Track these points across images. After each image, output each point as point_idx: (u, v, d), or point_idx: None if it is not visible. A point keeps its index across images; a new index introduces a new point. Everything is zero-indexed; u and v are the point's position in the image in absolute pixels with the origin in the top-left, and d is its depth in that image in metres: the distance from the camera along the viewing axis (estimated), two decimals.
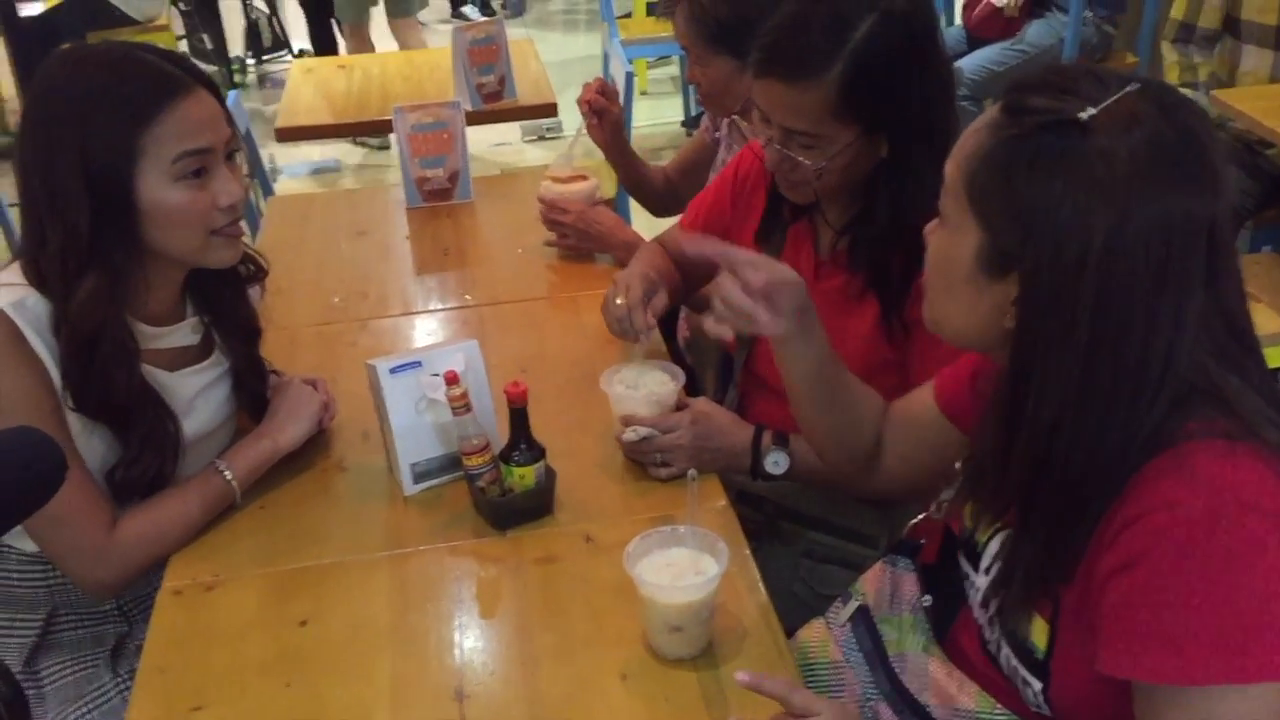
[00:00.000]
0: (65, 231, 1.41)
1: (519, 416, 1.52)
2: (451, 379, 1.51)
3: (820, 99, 1.47)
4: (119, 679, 1.59)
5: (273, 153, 5.56)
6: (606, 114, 2.38)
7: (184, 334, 1.60)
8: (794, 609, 1.51)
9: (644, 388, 1.65)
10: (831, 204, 1.62)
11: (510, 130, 5.66)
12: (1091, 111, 0.98)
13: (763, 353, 1.74)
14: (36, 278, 1.44)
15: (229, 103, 3.24)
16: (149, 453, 1.51)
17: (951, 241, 1.08)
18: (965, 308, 1.09)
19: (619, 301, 1.72)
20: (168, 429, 1.53)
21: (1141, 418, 1.00)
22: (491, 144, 5.56)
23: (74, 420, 1.46)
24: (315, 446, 1.73)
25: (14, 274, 1.46)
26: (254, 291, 1.72)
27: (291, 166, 5.68)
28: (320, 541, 1.55)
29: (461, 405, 1.51)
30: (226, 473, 1.58)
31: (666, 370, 1.68)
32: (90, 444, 1.49)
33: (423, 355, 1.61)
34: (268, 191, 3.40)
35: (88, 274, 1.42)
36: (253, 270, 1.68)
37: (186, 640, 1.39)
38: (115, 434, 1.50)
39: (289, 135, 3.36)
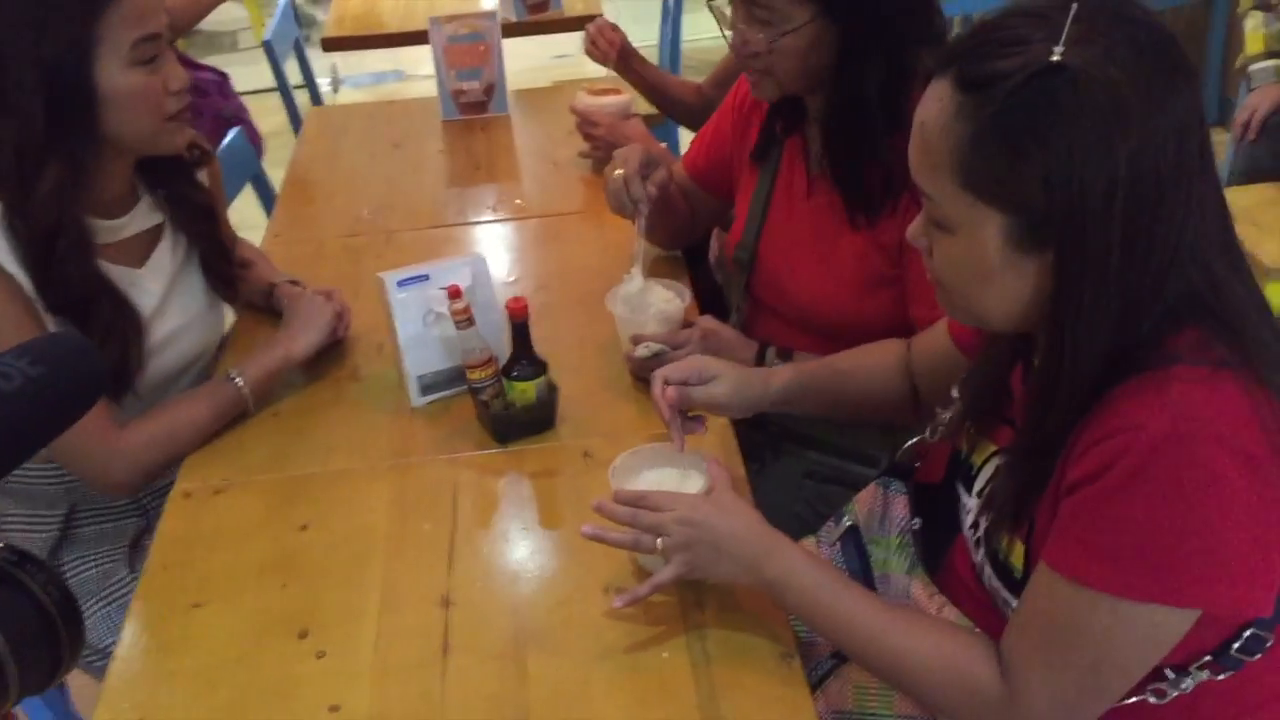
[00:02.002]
0: (19, 126, 1.42)
1: (520, 331, 1.53)
2: (454, 293, 1.52)
3: None
4: (136, 575, 1.66)
5: (335, 62, 5.58)
6: (625, 51, 2.38)
7: (143, 215, 1.63)
8: (796, 529, 1.50)
9: (652, 306, 1.65)
10: (814, 117, 1.61)
11: (571, 41, 5.60)
12: (1059, 48, 0.94)
13: (761, 275, 1.73)
14: None
15: (282, 7, 3.29)
16: (111, 345, 1.53)
17: (969, 242, 1.02)
18: (1010, 292, 1.03)
19: (617, 173, 1.70)
20: (127, 320, 1.56)
21: (1142, 316, 0.99)
22: (552, 56, 5.51)
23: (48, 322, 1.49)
24: (331, 357, 1.77)
25: None
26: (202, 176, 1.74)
27: (354, 77, 5.70)
28: (328, 449, 1.59)
29: (464, 319, 1.53)
30: (238, 380, 1.62)
31: (672, 288, 1.67)
32: None
33: (430, 269, 1.62)
34: (316, 100, 3.42)
35: (47, 167, 1.44)
36: (198, 155, 1.70)
37: (192, 540, 1.44)
38: (79, 328, 1.51)
39: (335, 45, 3.36)
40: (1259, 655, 1.06)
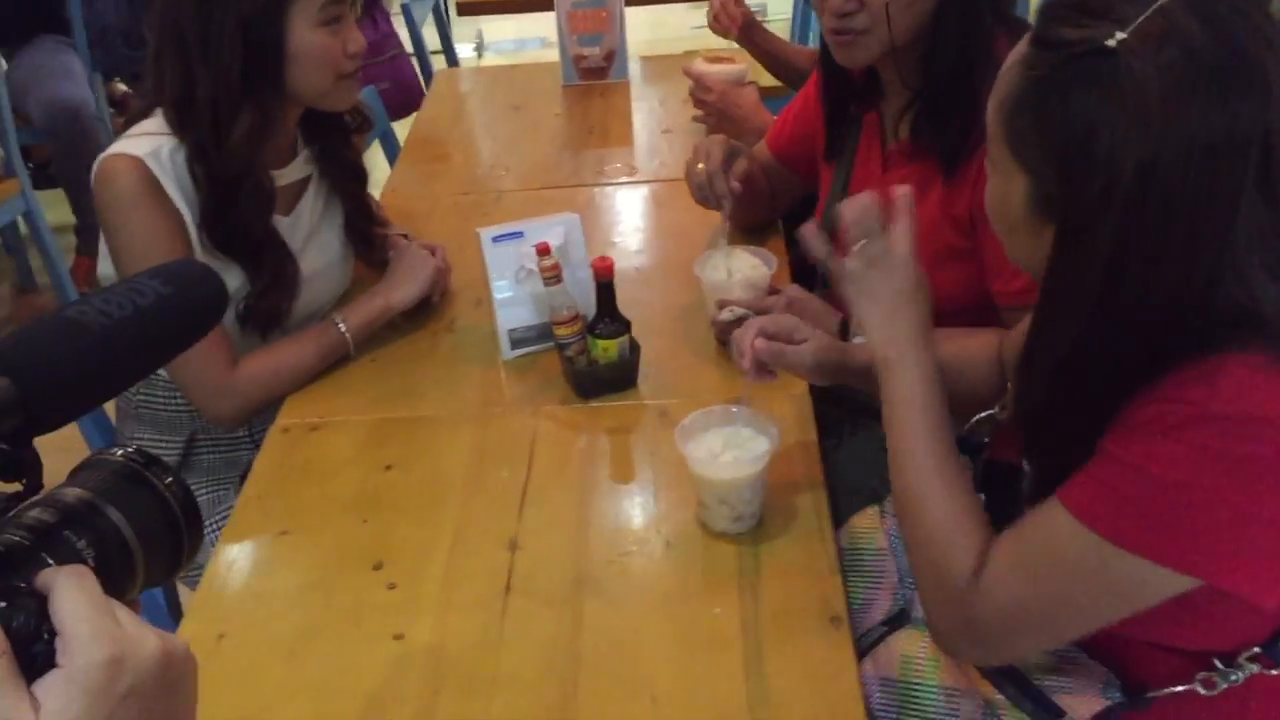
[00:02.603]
0: (217, 75, 1.53)
1: (605, 291, 1.56)
2: (543, 250, 1.57)
3: None
4: None
5: (480, 28, 5.71)
6: (748, 23, 2.37)
7: (298, 168, 1.74)
8: (870, 504, 1.51)
9: (738, 272, 1.66)
10: (893, 86, 1.60)
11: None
12: (1121, 35, 0.91)
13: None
14: (179, 123, 1.57)
15: None
16: (274, 290, 1.67)
17: (1005, 189, 1.04)
18: (1030, 249, 1.05)
19: (700, 167, 1.72)
20: (289, 269, 1.69)
21: (1168, 343, 0.96)
22: (692, 26, 5.51)
23: (205, 260, 1.60)
24: (431, 308, 1.84)
25: (152, 124, 1.59)
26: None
27: (498, 43, 5.81)
28: (419, 396, 1.66)
29: (552, 276, 1.57)
30: (341, 325, 1.70)
31: (759, 255, 1.68)
32: None
33: (525, 226, 1.67)
34: (453, 63, 3.51)
35: (241, 115, 1.55)
36: (359, 121, 1.80)
37: (286, 473, 1.53)
38: (245, 270, 1.64)
39: (469, 10, 3.44)
40: None
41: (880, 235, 1.25)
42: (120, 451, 0.67)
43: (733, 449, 1.35)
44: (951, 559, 1.10)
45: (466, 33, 5.63)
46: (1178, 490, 0.93)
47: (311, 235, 1.77)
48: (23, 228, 3.65)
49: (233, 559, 1.39)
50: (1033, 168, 0.99)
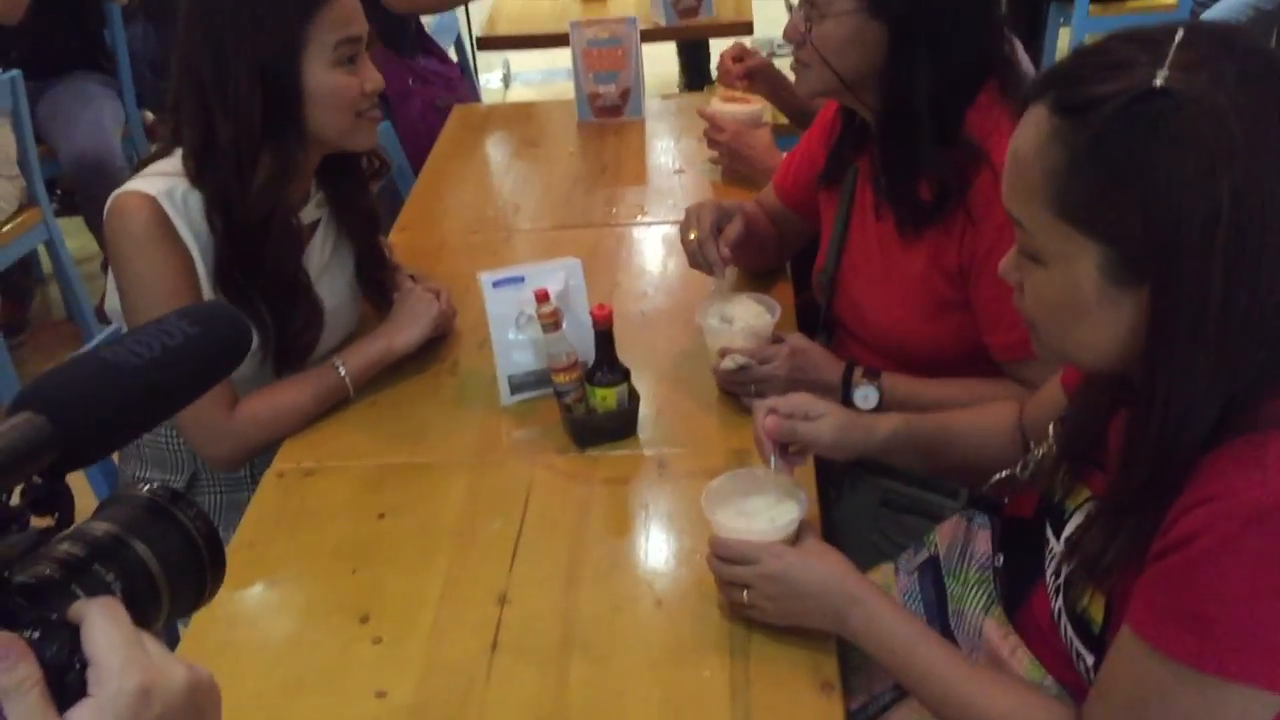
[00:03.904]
0: (238, 121, 1.54)
1: (604, 338, 1.54)
2: (542, 296, 1.55)
3: None
4: None
5: (507, 58, 5.73)
6: (756, 72, 2.34)
7: (310, 212, 1.74)
8: (871, 558, 1.48)
9: (740, 320, 1.64)
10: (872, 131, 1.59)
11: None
12: (1164, 72, 0.89)
13: (841, 300, 1.71)
14: (197, 171, 1.57)
15: None
16: (309, 326, 1.69)
17: (1063, 275, 0.98)
18: (1104, 330, 0.99)
19: (691, 235, 1.70)
20: (318, 305, 1.71)
21: (1242, 365, 0.93)
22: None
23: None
24: (434, 350, 1.82)
25: (168, 164, 1.59)
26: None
27: (525, 73, 5.83)
28: (417, 441, 1.64)
29: (551, 323, 1.55)
30: (341, 368, 1.69)
31: (763, 303, 1.66)
32: None
33: (527, 270, 1.65)
34: (475, 98, 3.52)
35: (261, 159, 1.55)
36: (376, 166, 1.79)
37: (278, 520, 1.51)
38: (268, 313, 1.63)
39: (489, 44, 3.45)
40: None
41: (749, 556, 1.24)
42: (146, 488, 0.70)
43: (762, 515, 1.30)
44: None
45: (494, 63, 5.65)
46: (1263, 606, 0.90)
47: (320, 277, 1.76)
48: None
49: (217, 609, 1.37)
50: (1106, 233, 0.94)
